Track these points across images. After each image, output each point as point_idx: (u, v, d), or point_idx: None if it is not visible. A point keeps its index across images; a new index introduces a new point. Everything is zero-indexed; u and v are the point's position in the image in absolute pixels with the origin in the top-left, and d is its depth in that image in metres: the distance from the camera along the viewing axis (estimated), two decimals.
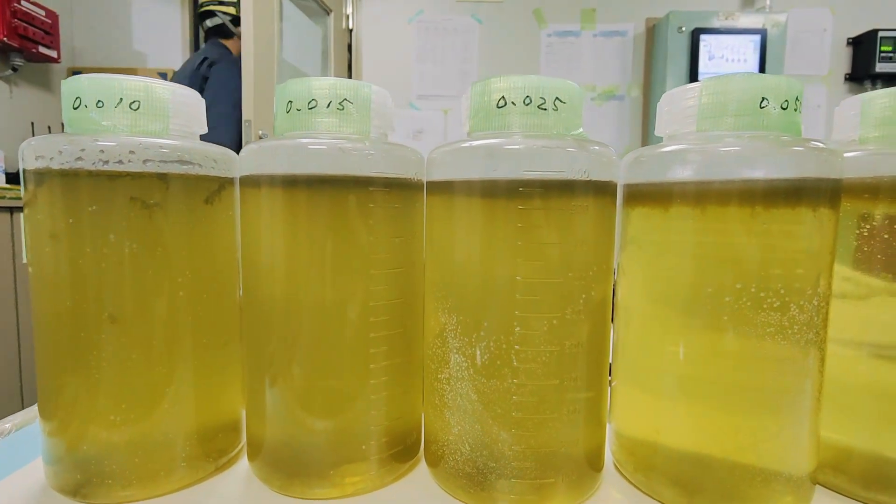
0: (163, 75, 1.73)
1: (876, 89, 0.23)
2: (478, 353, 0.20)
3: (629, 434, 0.24)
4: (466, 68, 1.77)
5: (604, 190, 0.21)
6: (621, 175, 0.23)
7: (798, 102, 0.20)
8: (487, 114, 0.21)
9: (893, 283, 0.21)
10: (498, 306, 0.20)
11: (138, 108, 0.21)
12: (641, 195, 0.22)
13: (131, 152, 0.20)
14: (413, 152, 0.23)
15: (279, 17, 1.29)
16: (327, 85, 0.21)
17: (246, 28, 1.15)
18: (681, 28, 1.63)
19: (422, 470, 0.25)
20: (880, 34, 1.65)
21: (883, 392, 0.22)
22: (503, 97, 0.21)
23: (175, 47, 1.81)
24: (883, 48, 1.66)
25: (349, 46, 1.76)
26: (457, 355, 0.21)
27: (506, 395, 0.20)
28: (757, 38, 1.60)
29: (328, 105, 0.21)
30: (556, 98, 0.21)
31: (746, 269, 0.19)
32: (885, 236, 0.21)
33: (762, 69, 1.59)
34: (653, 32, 1.74)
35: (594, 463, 0.23)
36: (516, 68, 1.75)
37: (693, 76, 1.60)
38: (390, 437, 0.23)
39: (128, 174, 0.20)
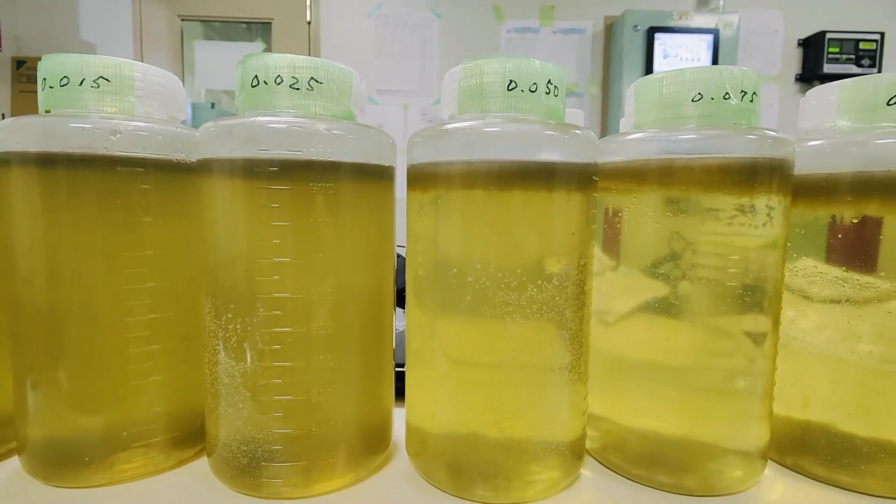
0: None
1: None
2: (227, 336, 0.20)
3: (412, 419, 0.24)
4: (426, 63, 1.76)
5: (361, 171, 0.21)
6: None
7: (551, 86, 0.21)
8: (247, 93, 0.21)
9: (613, 261, 0.21)
10: (242, 288, 0.20)
11: None
12: (410, 178, 0.22)
13: None
14: (189, 134, 0.23)
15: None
16: (79, 62, 0.21)
17: None
18: (636, 26, 1.64)
19: None
20: (828, 36, 1.69)
21: (645, 368, 0.22)
22: (256, 76, 0.20)
23: (125, 37, 1.76)
24: (830, 49, 1.70)
25: (309, 38, 1.74)
26: (212, 339, 0.21)
27: (253, 377, 0.20)
28: (710, 37, 1.63)
29: (81, 83, 0.21)
30: (312, 78, 0.21)
31: (484, 250, 0.20)
32: (641, 219, 0.21)
33: None
34: (610, 30, 1.75)
35: (373, 446, 0.23)
36: None
37: (648, 74, 1.62)
38: (165, 422, 0.23)
39: None
